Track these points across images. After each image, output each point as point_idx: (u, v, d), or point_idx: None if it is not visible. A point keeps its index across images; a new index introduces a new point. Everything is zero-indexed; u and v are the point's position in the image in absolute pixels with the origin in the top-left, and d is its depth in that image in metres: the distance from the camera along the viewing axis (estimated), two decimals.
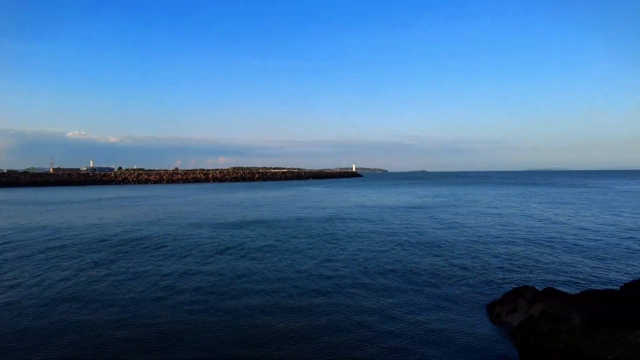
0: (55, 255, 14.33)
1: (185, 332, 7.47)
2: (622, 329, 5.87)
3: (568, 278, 10.70)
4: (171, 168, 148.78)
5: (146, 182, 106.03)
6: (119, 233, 19.19)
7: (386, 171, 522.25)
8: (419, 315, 8.21)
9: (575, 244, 15.30)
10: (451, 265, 12.41)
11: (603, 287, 9.21)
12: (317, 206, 33.64)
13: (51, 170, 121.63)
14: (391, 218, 24.73)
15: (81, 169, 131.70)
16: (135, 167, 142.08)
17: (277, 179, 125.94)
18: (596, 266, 11.88)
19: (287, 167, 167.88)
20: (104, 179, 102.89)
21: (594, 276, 10.82)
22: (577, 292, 8.12)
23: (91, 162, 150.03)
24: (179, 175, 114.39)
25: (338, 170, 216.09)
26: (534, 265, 12.11)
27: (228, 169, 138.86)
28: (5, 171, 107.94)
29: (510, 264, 12.45)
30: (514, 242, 15.99)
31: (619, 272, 11.30)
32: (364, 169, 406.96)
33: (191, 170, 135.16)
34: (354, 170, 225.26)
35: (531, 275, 11.01)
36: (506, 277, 10.93)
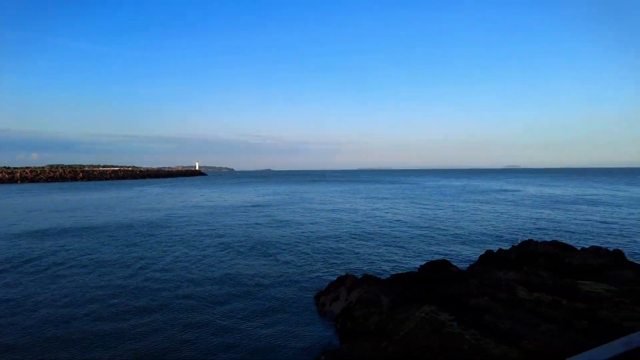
0: None
1: None
2: (414, 306, 6.99)
3: (383, 265, 12.43)
4: None
5: None
6: None
7: (232, 170, 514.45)
8: (250, 322, 7.91)
9: (389, 235, 18.06)
10: (281, 263, 12.74)
11: (408, 270, 10.97)
12: (145, 208, 29.86)
13: None
14: (226, 218, 24.14)
15: None
16: None
17: (106, 179, 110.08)
18: (405, 254, 14.18)
19: (119, 165, 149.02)
20: None
21: (402, 262, 12.87)
22: (388, 277, 9.40)
23: None
24: None
25: (180, 168, 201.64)
26: (356, 257, 13.62)
27: (43, 167, 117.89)
28: None
29: (336, 256, 13.66)
30: (340, 236, 17.71)
31: (420, 255, 13.81)
32: (209, 167, 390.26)
33: None
34: (197, 168, 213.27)
35: (352, 266, 12.31)
36: (331, 270, 11.86)
